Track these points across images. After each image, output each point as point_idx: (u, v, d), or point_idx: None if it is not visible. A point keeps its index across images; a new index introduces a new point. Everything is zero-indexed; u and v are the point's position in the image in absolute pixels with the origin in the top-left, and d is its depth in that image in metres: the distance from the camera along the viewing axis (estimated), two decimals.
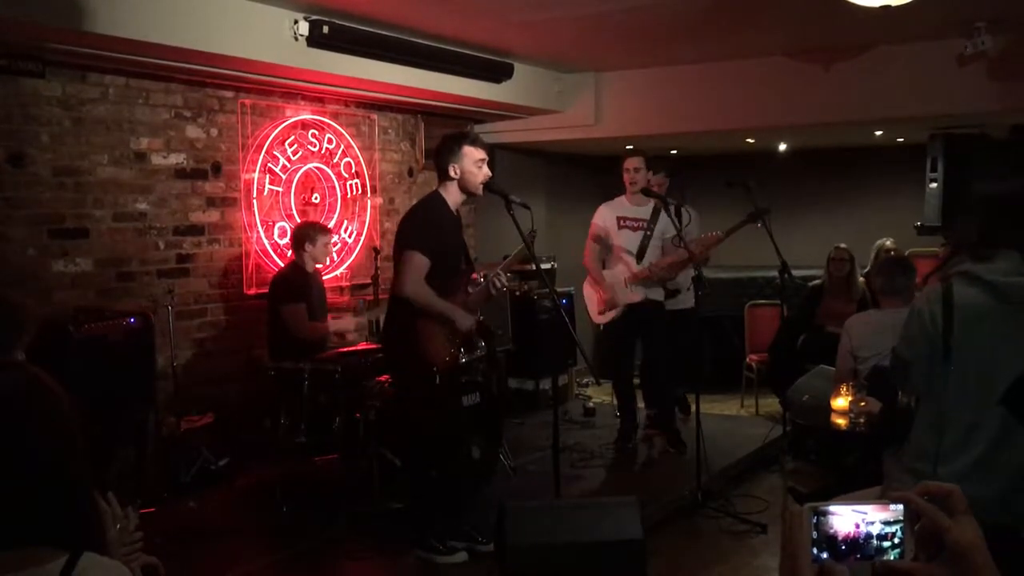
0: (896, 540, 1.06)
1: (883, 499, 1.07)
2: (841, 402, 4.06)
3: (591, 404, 7.64)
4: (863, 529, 1.05)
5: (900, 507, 1.06)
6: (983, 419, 2.54)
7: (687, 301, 6.41)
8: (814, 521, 1.06)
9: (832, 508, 1.06)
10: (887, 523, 1.06)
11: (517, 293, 7.55)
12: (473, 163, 4.41)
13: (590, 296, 6.28)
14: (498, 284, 4.55)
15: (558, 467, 4.67)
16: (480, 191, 4.45)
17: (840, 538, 1.05)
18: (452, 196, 4.46)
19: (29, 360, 2.86)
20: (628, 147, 8.52)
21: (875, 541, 1.05)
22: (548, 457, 5.62)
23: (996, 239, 2.58)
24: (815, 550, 1.05)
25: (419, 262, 4.28)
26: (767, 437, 6.33)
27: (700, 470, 5.26)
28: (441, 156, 4.47)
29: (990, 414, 2.53)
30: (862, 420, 3.94)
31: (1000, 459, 2.52)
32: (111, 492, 1.89)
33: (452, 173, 4.41)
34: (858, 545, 1.05)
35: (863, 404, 3.96)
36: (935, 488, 1.06)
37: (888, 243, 7.25)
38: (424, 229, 4.39)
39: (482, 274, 4.76)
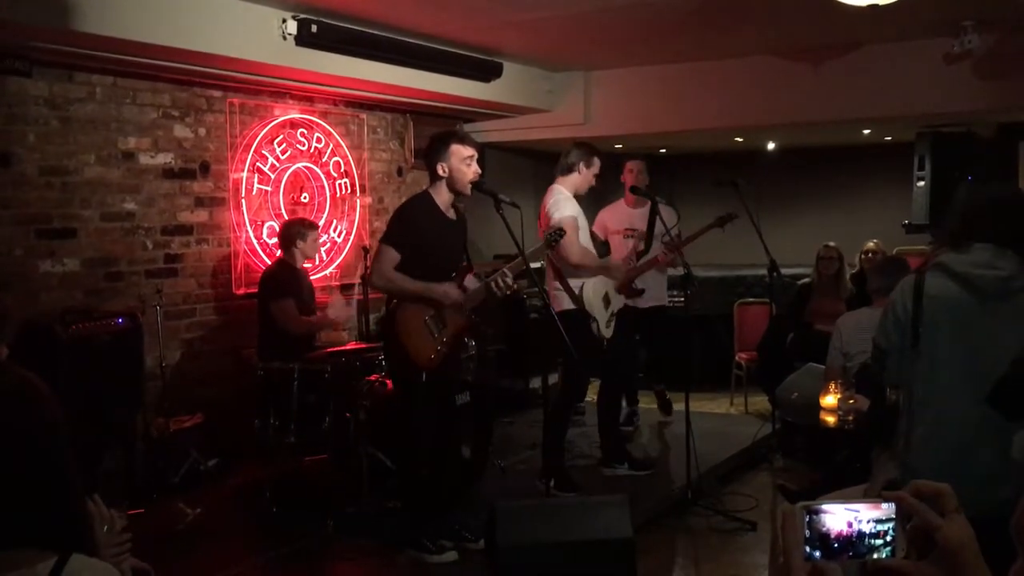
0: (888, 538, 1.06)
1: (874, 497, 1.07)
2: (830, 400, 4.08)
3: (581, 403, 7.63)
4: (855, 528, 1.06)
5: (892, 506, 1.07)
6: (956, 408, 2.60)
7: (658, 299, 6.39)
8: (807, 520, 1.06)
9: (824, 507, 1.06)
10: (879, 521, 1.06)
11: (508, 292, 7.55)
12: (461, 160, 4.37)
13: (597, 305, 5.39)
14: (501, 283, 4.41)
15: (554, 476, 4.69)
16: (468, 190, 4.41)
17: (832, 536, 1.06)
18: (442, 196, 4.44)
19: (15, 360, 2.85)
20: (617, 145, 8.57)
21: (867, 540, 1.06)
22: (538, 456, 5.64)
23: (972, 233, 2.64)
24: (808, 548, 1.06)
25: (388, 254, 4.32)
26: (756, 435, 6.35)
27: (690, 468, 5.27)
28: (429, 156, 4.46)
29: (964, 403, 2.58)
30: (851, 417, 3.96)
31: (977, 448, 2.57)
32: (96, 494, 1.88)
33: (440, 172, 4.39)
34: (850, 543, 1.06)
35: (852, 401, 3.98)
36: (926, 487, 1.07)
37: (871, 244, 7.25)
38: (399, 225, 4.41)
39: (483, 273, 4.75)
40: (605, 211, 6.61)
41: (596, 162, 5.42)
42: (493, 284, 4.41)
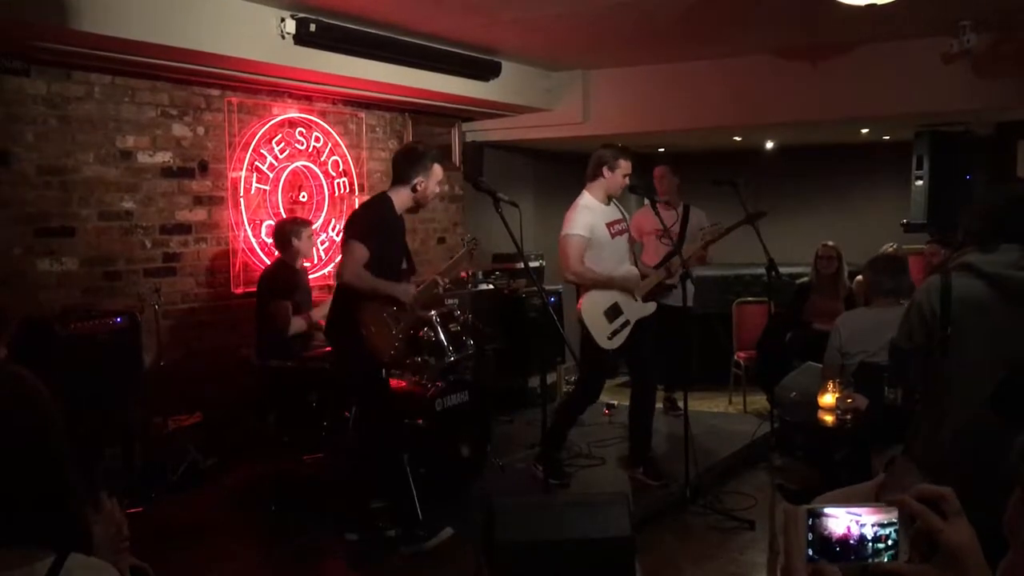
0: (890, 542, 1.06)
1: (878, 502, 1.07)
2: (828, 398, 4.08)
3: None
4: (856, 531, 1.06)
5: (894, 509, 1.07)
6: (983, 411, 2.54)
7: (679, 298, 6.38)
8: (809, 523, 1.06)
9: (827, 510, 1.06)
10: (881, 525, 1.06)
11: (506, 291, 7.56)
12: (436, 182, 4.59)
13: (595, 318, 5.26)
14: (441, 283, 4.81)
15: (547, 464, 4.68)
16: (426, 204, 4.72)
17: (834, 540, 1.06)
18: (401, 201, 4.55)
19: (14, 360, 2.85)
20: (619, 145, 8.56)
21: (869, 544, 1.06)
22: (537, 454, 5.64)
23: (999, 233, 2.60)
24: (810, 551, 1.06)
25: (359, 251, 4.38)
26: (755, 434, 6.36)
27: (688, 467, 5.27)
28: (408, 165, 4.56)
29: (988, 407, 2.53)
30: (849, 416, 3.96)
31: (1003, 452, 2.53)
32: (104, 492, 1.88)
33: (417, 188, 4.53)
34: (852, 547, 1.06)
35: (850, 401, 3.98)
36: (929, 491, 1.07)
37: (890, 248, 7.25)
38: (366, 224, 4.49)
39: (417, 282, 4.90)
40: (640, 213, 6.92)
41: (622, 164, 5.31)
42: (435, 287, 4.80)
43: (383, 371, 4.54)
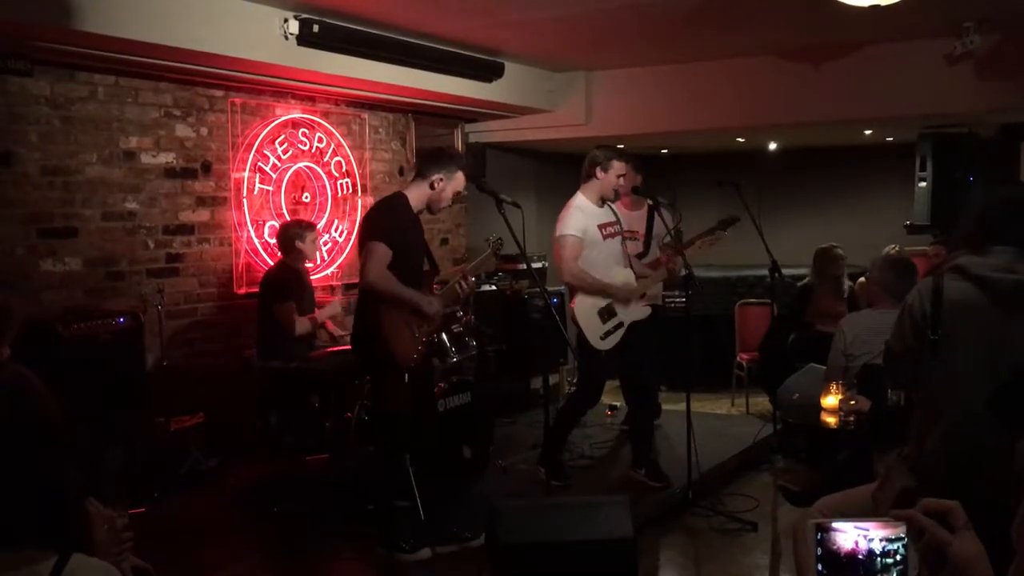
0: (899, 557, 1.06)
1: (885, 510, 1.08)
2: (831, 400, 4.07)
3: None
4: (865, 546, 1.06)
5: (902, 524, 1.06)
6: (972, 414, 2.54)
7: (651, 298, 6.33)
8: (818, 538, 1.06)
9: (836, 524, 1.06)
10: (889, 540, 1.06)
11: (508, 292, 7.56)
12: (455, 189, 4.53)
13: (588, 317, 5.23)
14: (464, 286, 4.66)
15: (549, 466, 4.67)
16: (437, 212, 4.66)
17: (843, 555, 1.06)
18: (418, 198, 4.51)
19: (17, 360, 2.85)
20: (619, 146, 8.57)
21: (878, 558, 1.06)
22: (539, 455, 5.63)
23: (991, 235, 2.59)
24: (820, 566, 1.06)
25: (382, 251, 4.30)
26: (757, 436, 6.34)
27: (691, 469, 5.26)
28: (432, 162, 4.53)
29: (981, 410, 2.53)
30: (852, 418, 3.95)
31: (991, 455, 2.53)
32: (92, 496, 1.88)
33: (435, 184, 4.47)
34: (861, 562, 1.06)
35: (853, 403, 3.97)
36: (935, 505, 1.07)
37: (893, 250, 7.24)
38: (385, 221, 4.43)
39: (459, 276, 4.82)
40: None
41: (615, 165, 5.30)
42: (457, 287, 4.63)
43: (405, 376, 4.44)
